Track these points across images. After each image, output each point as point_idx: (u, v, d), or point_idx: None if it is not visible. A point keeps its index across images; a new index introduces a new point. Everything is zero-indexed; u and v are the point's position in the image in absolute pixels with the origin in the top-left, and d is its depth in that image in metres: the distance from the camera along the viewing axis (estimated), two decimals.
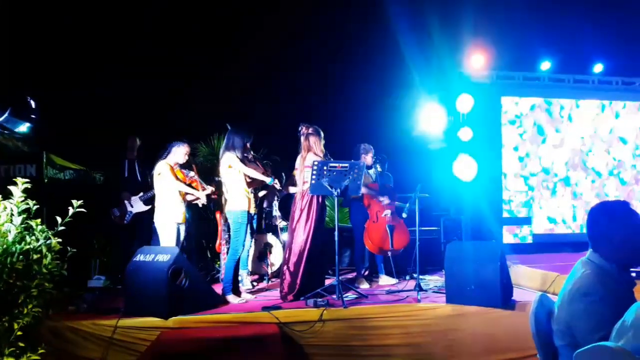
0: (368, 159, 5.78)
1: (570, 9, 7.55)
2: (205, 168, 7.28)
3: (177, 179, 5.06)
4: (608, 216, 2.09)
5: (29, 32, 6.96)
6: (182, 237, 5.09)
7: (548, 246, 7.94)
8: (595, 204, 2.18)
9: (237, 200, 4.87)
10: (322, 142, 5.12)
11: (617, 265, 2.03)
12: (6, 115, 3.47)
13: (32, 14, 7.05)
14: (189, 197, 5.27)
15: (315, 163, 4.65)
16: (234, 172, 4.89)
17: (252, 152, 5.58)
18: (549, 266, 5.57)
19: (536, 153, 8.33)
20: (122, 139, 6.24)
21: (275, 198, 6.46)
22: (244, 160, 5.02)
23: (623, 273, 2.03)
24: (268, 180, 5.09)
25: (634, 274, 2.13)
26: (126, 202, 5.91)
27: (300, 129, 5.12)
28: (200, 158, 7.77)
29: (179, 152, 5.13)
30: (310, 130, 5.08)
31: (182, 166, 5.29)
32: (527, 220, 8.17)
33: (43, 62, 7.17)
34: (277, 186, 5.36)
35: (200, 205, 5.63)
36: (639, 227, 2.05)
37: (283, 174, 5.86)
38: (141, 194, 5.85)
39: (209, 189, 5.32)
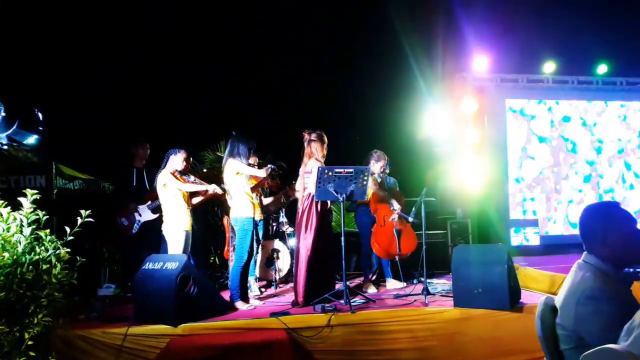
0: (377, 167, 5.71)
1: (573, 10, 7.54)
2: (211, 175, 7.31)
3: None
4: (601, 217, 2.09)
5: (30, 33, 7.02)
6: (189, 245, 5.11)
7: (556, 248, 7.92)
8: (586, 206, 2.17)
9: (242, 206, 4.82)
10: (325, 148, 5.11)
11: (613, 265, 2.03)
12: (14, 127, 3.51)
13: (32, 15, 7.12)
14: (194, 201, 5.29)
15: (320, 169, 4.66)
16: (240, 178, 4.85)
17: (257, 159, 5.57)
18: (557, 268, 5.55)
19: (543, 155, 8.32)
20: (129, 147, 6.27)
21: (282, 203, 6.47)
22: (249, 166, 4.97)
23: (619, 272, 2.03)
24: (263, 173, 4.97)
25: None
26: (134, 211, 5.95)
27: (303, 135, 5.12)
28: (207, 165, 7.81)
29: (177, 160, 5.11)
30: (312, 137, 5.06)
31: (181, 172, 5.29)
32: (534, 222, 8.13)
33: (44, 66, 7.22)
34: (265, 173, 5.10)
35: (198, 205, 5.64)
36: (632, 226, 2.05)
37: (293, 182, 5.86)
38: (149, 202, 5.87)
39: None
